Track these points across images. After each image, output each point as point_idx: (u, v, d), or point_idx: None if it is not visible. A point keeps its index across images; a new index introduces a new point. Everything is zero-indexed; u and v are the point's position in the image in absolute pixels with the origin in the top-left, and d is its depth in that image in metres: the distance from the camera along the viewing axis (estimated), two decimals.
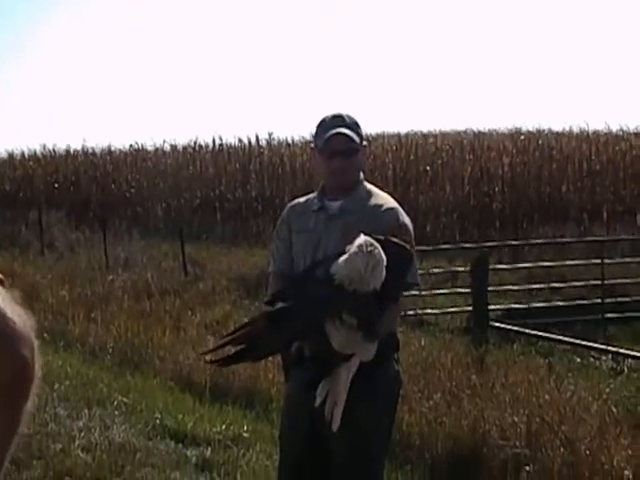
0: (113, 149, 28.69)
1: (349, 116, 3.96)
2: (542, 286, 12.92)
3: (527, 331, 9.74)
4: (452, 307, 12.20)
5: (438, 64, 62.22)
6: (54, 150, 29.32)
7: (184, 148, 27.45)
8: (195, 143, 27.23)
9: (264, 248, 14.64)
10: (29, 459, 6.14)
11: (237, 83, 58.73)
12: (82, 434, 6.74)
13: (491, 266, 11.20)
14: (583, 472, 5.49)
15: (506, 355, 8.65)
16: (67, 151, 29.06)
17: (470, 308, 10.76)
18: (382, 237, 3.49)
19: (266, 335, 3.51)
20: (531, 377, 7.36)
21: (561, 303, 12.33)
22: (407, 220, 3.89)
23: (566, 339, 9.35)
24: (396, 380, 3.94)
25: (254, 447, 6.46)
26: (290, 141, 26.27)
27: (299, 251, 3.94)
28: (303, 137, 25.23)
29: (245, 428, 6.87)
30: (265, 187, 24.15)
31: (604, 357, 9.53)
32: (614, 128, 24.23)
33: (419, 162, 22.75)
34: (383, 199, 3.95)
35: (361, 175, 4.00)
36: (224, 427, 6.88)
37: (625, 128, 24.08)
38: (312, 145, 4.13)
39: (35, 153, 29.49)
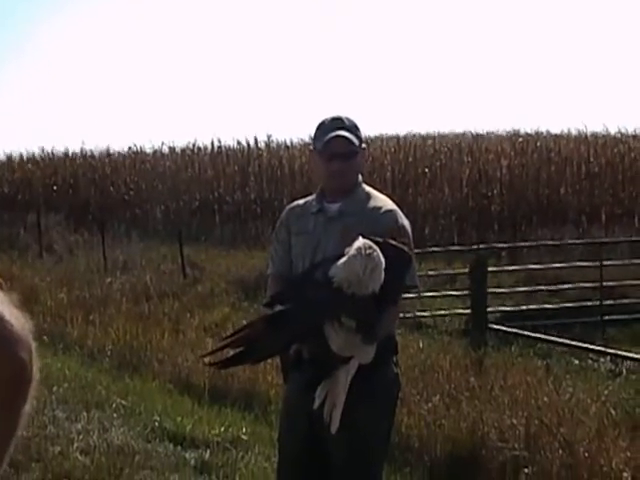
0: (112, 151, 28.73)
1: (348, 118, 3.96)
2: (540, 288, 12.92)
3: (525, 333, 9.74)
4: (450, 309, 12.20)
5: (437, 66, 62.30)
6: (53, 152, 29.37)
7: (183, 150, 27.44)
8: (194, 145, 27.26)
9: (263, 250, 14.65)
10: (28, 461, 6.14)
11: (236, 85, 58.79)
12: (81, 437, 6.74)
13: (489, 268, 11.19)
14: (582, 474, 5.49)
15: (505, 357, 8.65)
16: (66, 154, 29.08)
17: (468, 310, 10.76)
18: (381, 239, 3.50)
19: (265, 337, 3.51)
20: (529, 379, 7.36)
21: (559, 305, 12.33)
22: (406, 222, 3.89)
23: (564, 341, 9.35)
24: (395, 382, 3.94)
25: (253, 449, 6.46)
26: (289, 143, 26.30)
27: (298, 253, 3.94)
28: (302, 139, 25.25)
29: (244, 430, 6.87)
30: (264, 189, 24.14)
31: (602, 359, 9.54)
32: (612, 130, 24.25)
33: (418, 164, 22.75)
34: (382, 201, 3.95)
35: (360, 177, 4.00)
36: (223, 429, 6.87)
37: (623, 130, 24.12)
38: (311, 147, 4.13)
39: (34, 156, 29.52)
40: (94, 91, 57.56)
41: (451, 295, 12.67)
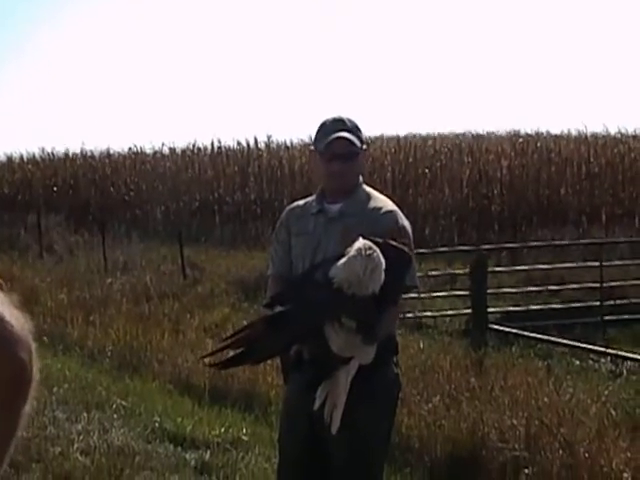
0: (112, 152, 28.73)
1: (350, 119, 3.96)
2: (541, 288, 12.92)
3: (526, 334, 9.74)
4: (451, 310, 12.20)
5: (437, 66, 62.32)
6: (53, 153, 29.38)
7: (183, 151, 27.45)
8: (194, 146, 27.26)
9: (263, 251, 14.65)
10: (28, 462, 6.14)
11: (236, 85, 58.81)
12: (81, 437, 6.74)
13: (490, 269, 11.20)
14: (582, 475, 5.49)
15: (505, 358, 8.65)
16: (66, 154, 29.08)
17: (469, 311, 10.76)
18: (381, 240, 3.50)
19: (265, 338, 3.51)
20: (530, 380, 7.36)
21: (560, 305, 12.32)
22: (406, 223, 3.89)
23: (565, 342, 9.35)
24: (395, 383, 3.94)
25: (253, 450, 6.46)
26: (289, 144, 26.31)
27: (298, 254, 3.94)
28: (302, 140, 25.26)
29: (244, 431, 6.87)
30: (264, 190, 24.14)
31: (603, 359, 9.53)
32: (612, 131, 24.26)
33: (418, 165, 22.76)
34: (382, 202, 3.95)
35: (360, 178, 4.00)
36: (223, 430, 6.87)
37: (623, 131, 24.13)
38: (311, 147, 4.13)
39: (34, 156, 29.53)
40: (94, 92, 57.62)
41: (451, 295, 12.67)
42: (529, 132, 25.85)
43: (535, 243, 15.92)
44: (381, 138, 26.96)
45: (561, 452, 5.71)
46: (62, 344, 10.24)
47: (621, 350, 9.20)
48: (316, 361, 3.61)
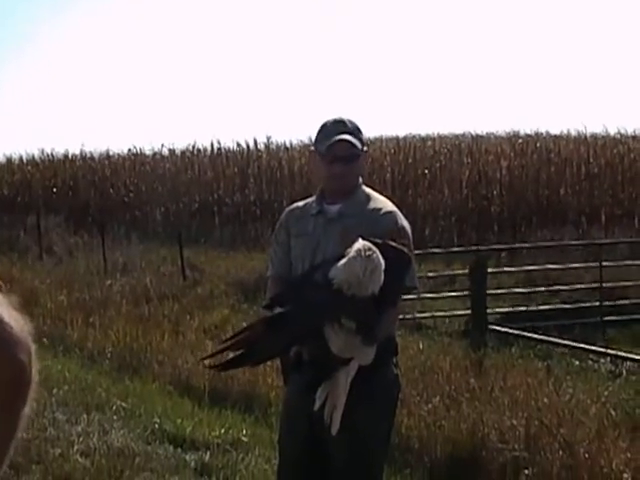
0: (111, 153, 28.75)
1: (351, 121, 3.95)
2: (540, 289, 12.93)
3: (526, 334, 9.74)
4: (450, 310, 12.20)
5: (437, 67, 62.30)
6: (52, 154, 29.36)
7: (182, 152, 27.46)
8: (193, 147, 27.28)
9: (262, 252, 14.65)
10: (28, 464, 6.14)
11: (235, 86, 58.78)
12: (81, 439, 6.74)
13: (489, 269, 11.19)
14: (582, 475, 5.49)
15: (505, 358, 8.65)
16: (65, 155, 29.08)
17: (468, 311, 10.75)
18: (380, 241, 3.50)
19: (265, 339, 3.51)
20: (530, 380, 7.36)
21: (559, 306, 12.33)
22: (405, 223, 3.89)
23: (565, 342, 9.35)
24: (395, 384, 3.94)
25: (253, 451, 6.46)
26: (288, 145, 26.33)
27: (298, 255, 3.94)
28: (301, 141, 25.28)
29: (244, 432, 6.87)
30: (263, 191, 24.15)
31: (603, 360, 9.53)
32: (612, 131, 24.28)
33: (417, 165, 22.77)
34: (382, 203, 3.95)
35: (360, 179, 4.00)
36: (223, 431, 6.87)
37: (623, 131, 24.15)
38: (311, 148, 4.13)
39: (33, 157, 29.54)
40: (94, 93, 57.61)
41: (451, 296, 12.67)
42: (528, 133, 25.89)
43: (534, 244, 15.93)
44: (380, 139, 26.99)
45: (561, 452, 5.71)
46: (62, 345, 10.25)
47: (621, 350, 9.20)
48: (316, 362, 3.61)
